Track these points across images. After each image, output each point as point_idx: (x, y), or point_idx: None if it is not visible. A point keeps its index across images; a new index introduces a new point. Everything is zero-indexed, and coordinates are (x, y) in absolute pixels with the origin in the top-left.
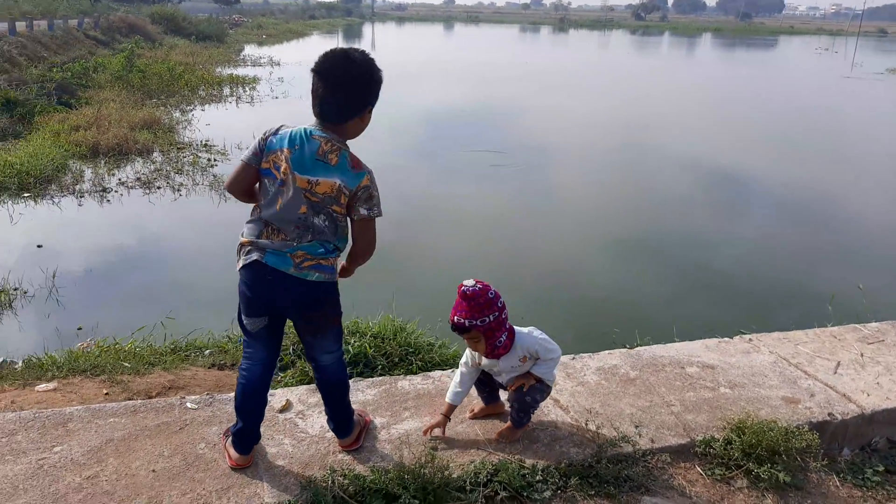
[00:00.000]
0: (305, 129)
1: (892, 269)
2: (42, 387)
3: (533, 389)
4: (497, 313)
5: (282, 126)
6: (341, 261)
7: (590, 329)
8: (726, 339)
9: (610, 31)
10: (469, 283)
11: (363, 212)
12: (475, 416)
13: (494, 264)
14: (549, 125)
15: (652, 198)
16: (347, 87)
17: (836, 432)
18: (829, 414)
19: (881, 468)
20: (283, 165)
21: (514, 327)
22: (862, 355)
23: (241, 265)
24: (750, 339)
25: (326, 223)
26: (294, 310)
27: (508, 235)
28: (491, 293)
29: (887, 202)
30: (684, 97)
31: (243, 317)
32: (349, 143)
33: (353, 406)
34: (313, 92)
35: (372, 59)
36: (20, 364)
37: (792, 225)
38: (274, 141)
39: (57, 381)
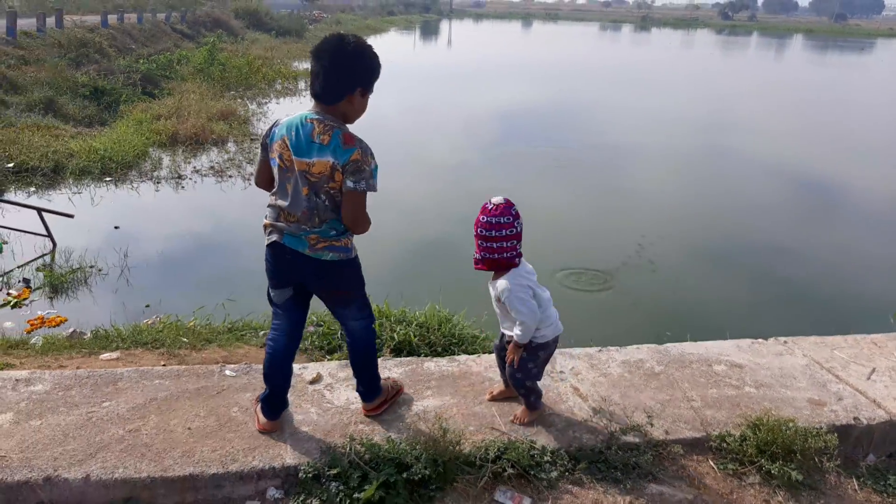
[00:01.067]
0: (302, 115)
1: None
2: (106, 356)
3: (521, 364)
4: (475, 233)
5: (281, 118)
6: None
7: (643, 328)
8: (760, 339)
9: (695, 30)
10: (496, 199)
11: (349, 184)
12: (493, 399)
13: (551, 260)
14: (626, 126)
15: (723, 200)
16: (338, 67)
17: (862, 437)
18: (855, 418)
19: None
20: (285, 153)
21: (518, 269)
22: None
23: (265, 243)
24: (785, 342)
25: (327, 202)
26: (314, 283)
27: (569, 231)
28: (484, 218)
29: None
30: (767, 100)
31: (270, 289)
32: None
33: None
34: (311, 72)
35: (367, 45)
36: (89, 335)
37: (866, 234)
38: (276, 132)
39: (120, 351)
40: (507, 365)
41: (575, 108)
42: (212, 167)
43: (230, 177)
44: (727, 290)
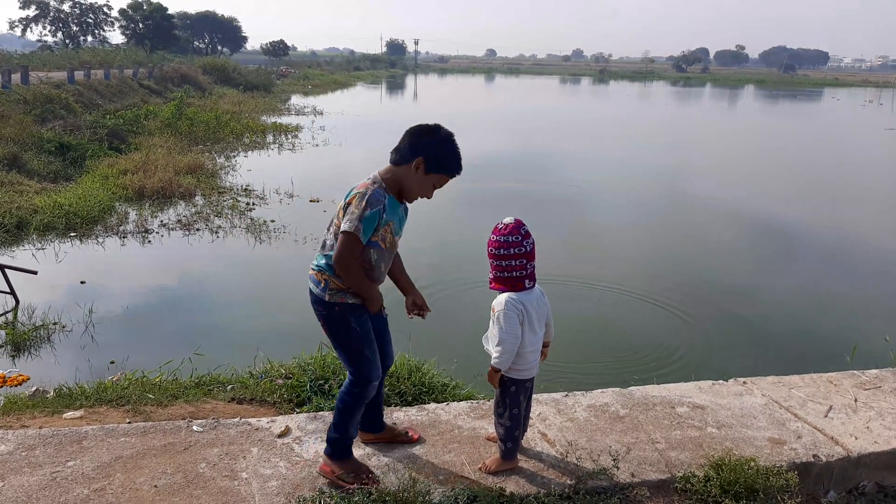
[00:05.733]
0: None
1: None
2: (69, 414)
3: (496, 400)
4: (489, 256)
5: None
6: None
7: (609, 371)
8: (721, 381)
9: (650, 82)
10: (507, 220)
11: (343, 224)
12: (489, 438)
13: None
14: (588, 172)
15: (685, 244)
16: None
17: (822, 474)
18: (814, 456)
19: None
20: None
21: (527, 294)
22: (856, 400)
23: None
24: (744, 382)
25: (334, 239)
26: None
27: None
28: (495, 237)
29: None
30: (724, 146)
31: None
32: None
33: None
34: None
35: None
36: (52, 393)
37: (821, 274)
38: None
39: (84, 409)
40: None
41: (538, 156)
42: (179, 220)
43: (198, 230)
44: (690, 332)
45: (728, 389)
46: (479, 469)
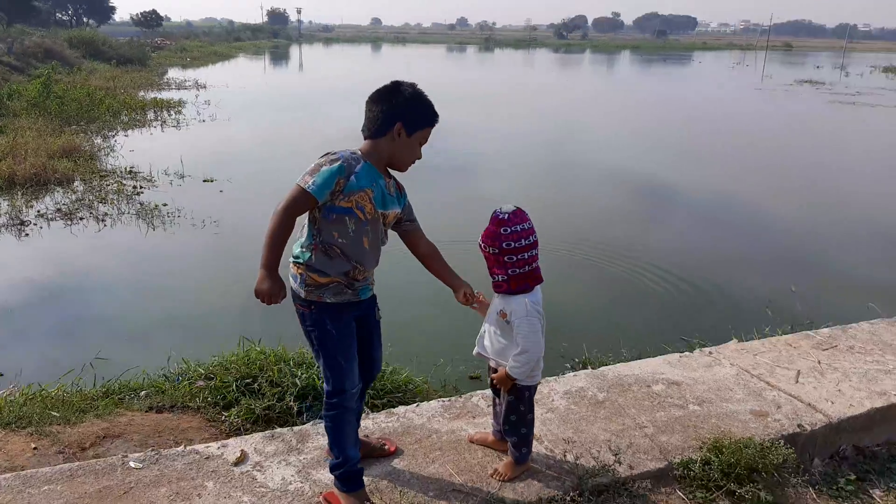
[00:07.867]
0: None
1: (815, 269)
2: None
3: (512, 407)
4: (497, 250)
5: None
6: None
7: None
8: (687, 353)
9: (534, 49)
10: (507, 207)
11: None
12: (472, 440)
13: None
14: (486, 142)
15: (575, 207)
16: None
17: (807, 443)
18: (799, 425)
19: (853, 477)
20: None
21: (537, 294)
22: (819, 362)
23: None
24: (710, 353)
25: (304, 224)
26: None
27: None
28: (505, 229)
29: (802, 204)
30: (603, 109)
31: None
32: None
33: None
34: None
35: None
36: None
37: (715, 232)
38: None
39: None
40: (501, 404)
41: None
42: (59, 209)
43: (81, 219)
44: (599, 299)
45: (697, 362)
46: (491, 475)
